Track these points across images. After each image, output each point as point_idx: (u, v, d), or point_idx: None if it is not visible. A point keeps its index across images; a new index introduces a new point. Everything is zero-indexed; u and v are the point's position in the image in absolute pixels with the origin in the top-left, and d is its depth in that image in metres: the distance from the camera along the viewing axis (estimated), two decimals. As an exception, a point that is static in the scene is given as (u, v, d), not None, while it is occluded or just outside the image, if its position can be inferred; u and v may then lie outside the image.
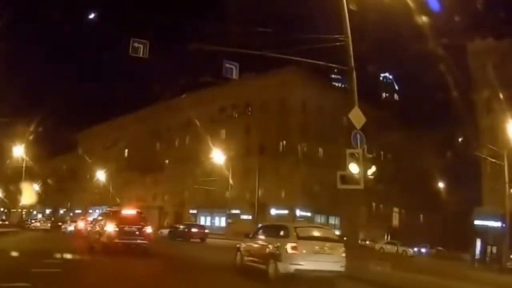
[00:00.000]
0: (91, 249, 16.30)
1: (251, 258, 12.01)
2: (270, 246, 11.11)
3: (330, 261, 10.43)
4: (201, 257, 17.74)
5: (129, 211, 16.72)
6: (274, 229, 11.94)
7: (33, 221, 48.55)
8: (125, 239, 15.26)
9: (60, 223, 44.30)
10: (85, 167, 69.22)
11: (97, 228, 17.01)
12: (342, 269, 10.54)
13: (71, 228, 35.63)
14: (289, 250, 10.36)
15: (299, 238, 10.57)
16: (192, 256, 18.10)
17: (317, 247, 10.49)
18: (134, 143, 68.00)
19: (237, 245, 13.26)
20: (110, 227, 15.51)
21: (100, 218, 18.73)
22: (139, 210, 17.21)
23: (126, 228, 15.45)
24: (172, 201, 63.15)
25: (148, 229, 16.05)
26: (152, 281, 10.08)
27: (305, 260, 10.25)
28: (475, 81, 40.55)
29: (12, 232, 29.61)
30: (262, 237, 12.08)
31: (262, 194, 45.05)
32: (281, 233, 11.12)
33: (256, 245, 12.01)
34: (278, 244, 10.72)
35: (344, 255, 10.68)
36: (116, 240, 15.19)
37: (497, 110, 33.73)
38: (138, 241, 15.50)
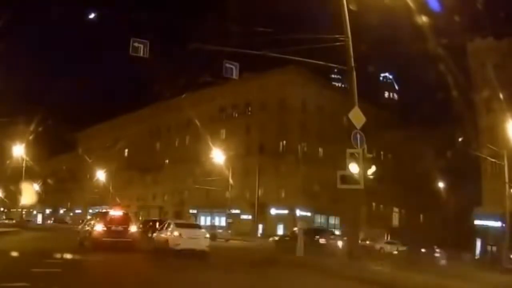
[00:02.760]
0: (81, 246, 18.00)
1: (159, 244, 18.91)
2: (167, 235, 18.08)
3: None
4: None
5: (116, 212, 18.38)
6: (167, 226, 19.43)
7: None
8: (112, 238, 16.80)
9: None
10: (85, 167, 69.13)
11: (87, 228, 18.80)
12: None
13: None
14: (176, 234, 17.53)
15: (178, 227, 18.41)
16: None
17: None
18: (134, 143, 67.97)
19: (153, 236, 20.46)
20: (99, 227, 17.28)
21: (90, 218, 21.65)
22: (125, 212, 19.16)
23: (113, 228, 17.20)
24: (172, 201, 63.10)
25: (133, 228, 17.89)
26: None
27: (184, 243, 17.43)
28: (475, 81, 40.49)
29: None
30: (163, 231, 19.09)
31: (262, 194, 45.07)
32: (170, 227, 18.24)
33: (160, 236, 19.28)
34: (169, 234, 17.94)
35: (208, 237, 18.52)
36: (104, 239, 16.74)
37: (497, 110, 33.70)
38: (124, 239, 17.08)
